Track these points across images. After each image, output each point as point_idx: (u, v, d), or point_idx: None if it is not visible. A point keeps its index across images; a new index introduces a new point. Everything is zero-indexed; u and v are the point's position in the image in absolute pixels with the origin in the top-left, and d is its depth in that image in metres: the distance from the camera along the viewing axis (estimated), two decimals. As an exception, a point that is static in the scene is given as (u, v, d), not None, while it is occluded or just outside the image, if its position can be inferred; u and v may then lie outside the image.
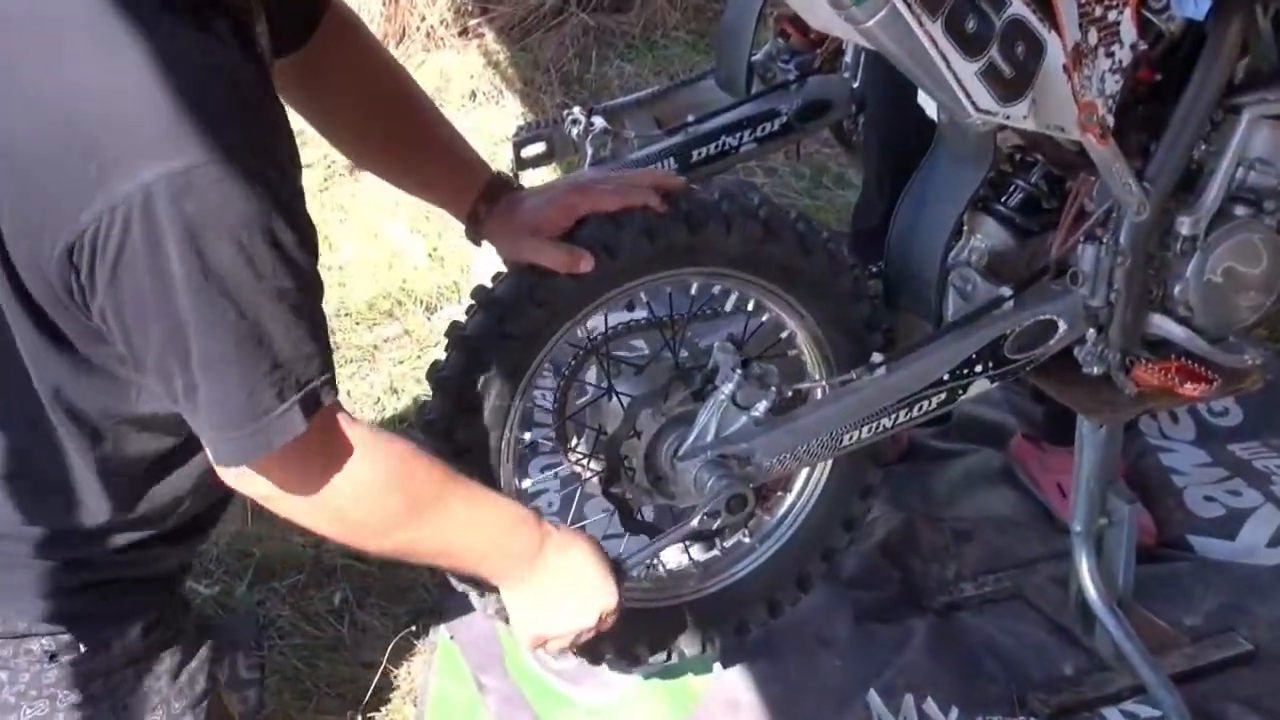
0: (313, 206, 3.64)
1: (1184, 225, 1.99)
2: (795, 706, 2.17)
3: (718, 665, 2.21)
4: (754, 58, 2.83)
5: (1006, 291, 1.98)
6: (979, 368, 1.97)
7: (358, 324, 3.22)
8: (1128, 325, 2.00)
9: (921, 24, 1.65)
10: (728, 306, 2.05)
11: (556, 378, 2.07)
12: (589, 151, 2.75)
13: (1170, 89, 1.96)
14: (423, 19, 4.50)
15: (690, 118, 2.78)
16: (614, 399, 1.94)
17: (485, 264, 3.41)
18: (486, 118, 4.25)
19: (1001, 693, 2.18)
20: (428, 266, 3.48)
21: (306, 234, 1.42)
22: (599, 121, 2.73)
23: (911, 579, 2.42)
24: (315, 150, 3.96)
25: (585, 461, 2.02)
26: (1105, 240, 1.97)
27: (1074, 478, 2.16)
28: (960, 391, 1.97)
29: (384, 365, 3.05)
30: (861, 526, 2.23)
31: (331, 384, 1.44)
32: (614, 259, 1.79)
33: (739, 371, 1.86)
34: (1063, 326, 2.00)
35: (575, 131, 2.74)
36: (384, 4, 4.47)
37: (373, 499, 1.51)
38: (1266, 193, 2.04)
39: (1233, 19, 1.93)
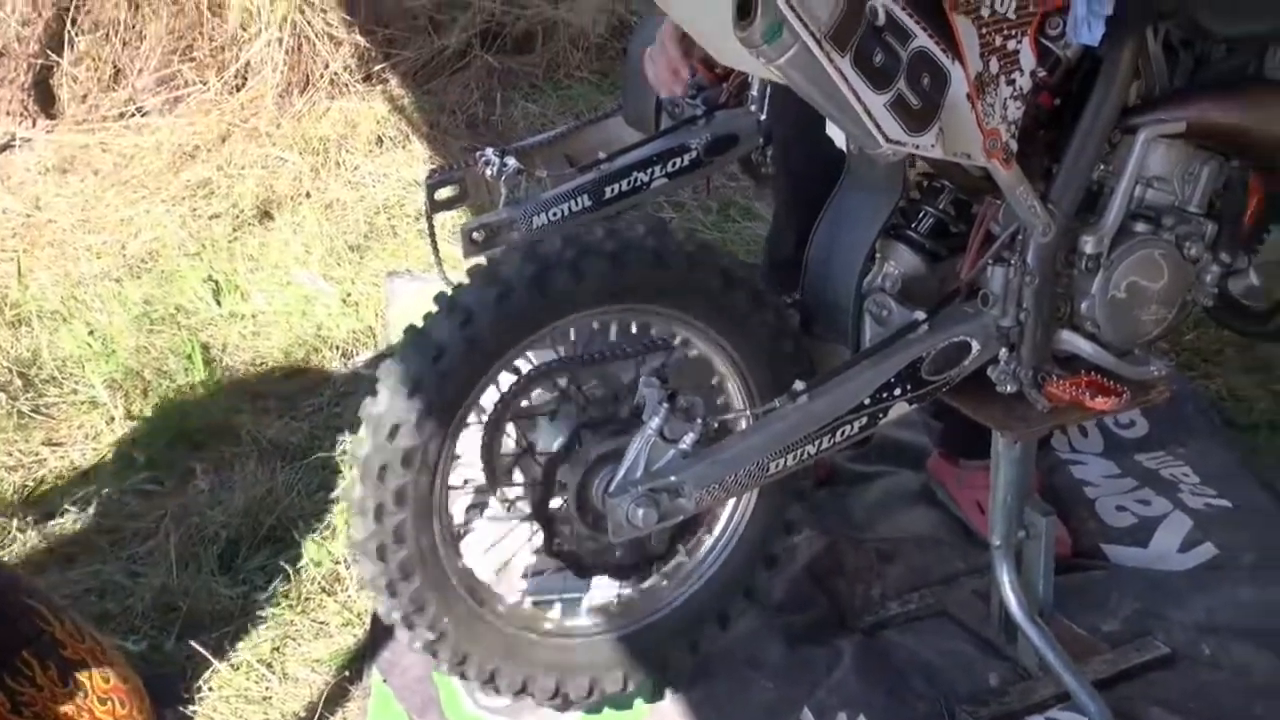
0: (220, 256, 3.68)
1: (1088, 244, 2.03)
2: (727, 729, 2.17)
3: (653, 695, 2.21)
4: (661, 94, 2.86)
5: (921, 315, 2.01)
6: (898, 390, 1.99)
7: (275, 373, 3.19)
8: (1038, 343, 2.04)
9: (831, 59, 1.68)
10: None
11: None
12: (503, 192, 2.75)
13: (1069, 113, 2.00)
14: (326, 66, 4.48)
15: (601, 155, 2.79)
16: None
17: (399, 309, 3.42)
18: (394, 162, 4.24)
19: (930, 707, 2.19)
20: (341, 312, 3.46)
21: None
22: (512, 162, 2.74)
23: (838, 600, 2.44)
24: (223, 201, 3.95)
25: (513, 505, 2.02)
26: (1013, 261, 2.00)
27: (991, 493, 2.19)
28: (881, 415, 1.99)
29: (304, 412, 3.02)
30: (781, 563, 2.25)
31: None
32: (544, 296, 1.79)
33: (665, 405, 1.86)
34: (976, 347, 2.03)
35: (489, 172, 2.74)
36: (287, 53, 4.44)
37: None
38: (1164, 210, 2.10)
39: (1125, 44, 1.98)
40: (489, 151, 2.76)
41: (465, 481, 1.95)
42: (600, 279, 1.84)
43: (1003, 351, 2.05)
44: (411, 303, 3.48)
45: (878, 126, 1.74)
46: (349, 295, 3.52)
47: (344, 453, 2.80)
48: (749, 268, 1.98)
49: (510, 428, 1.98)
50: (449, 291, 1.85)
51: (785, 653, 2.28)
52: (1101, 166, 2.04)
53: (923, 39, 1.75)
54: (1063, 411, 2.11)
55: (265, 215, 3.96)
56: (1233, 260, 2.18)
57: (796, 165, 2.47)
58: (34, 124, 4.38)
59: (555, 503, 1.95)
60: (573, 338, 1.99)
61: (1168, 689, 2.23)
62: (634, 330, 1.98)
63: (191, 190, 4.07)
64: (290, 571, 2.51)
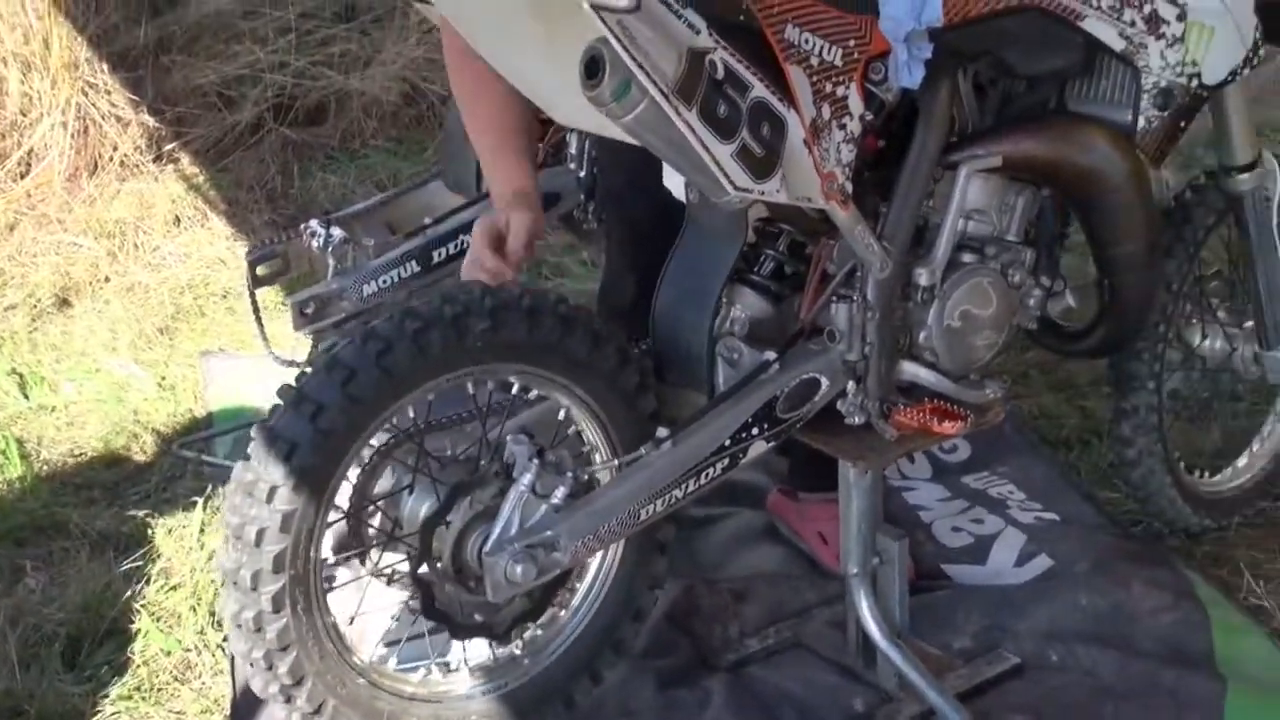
0: (22, 348, 3.56)
1: (921, 277, 2.12)
2: (609, 780, 2.18)
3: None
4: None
5: (771, 356, 2.07)
6: (756, 430, 2.05)
7: (96, 462, 3.09)
8: (882, 374, 2.12)
9: (679, 113, 1.72)
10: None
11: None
12: (330, 262, 2.74)
13: (893, 154, 2.10)
14: (115, 148, 4.39)
15: (427, 220, 2.81)
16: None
17: (218, 388, 3.36)
18: (194, 241, 4.17)
19: (803, 736, 2.25)
20: (158, 396, 3.38)
21: None
22: (337, 232, 2.74)
23: (699, 642, 2.46)
24: (18, 291, 3.83)
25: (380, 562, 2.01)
26: (854, 298, 2.08)
27: (842, 522, 2.25)
28: (741, 455, 2.04)
29: (131, 501, 2.94)
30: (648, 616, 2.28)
31: None
32: (423, 355, 1.80)
33: (536, 461, 1.88)
34: (825, 382, 2.10)
35: (315, 243, 2.73)
36: (72, 136, 4.34)
37: None
38: (987, 240, 2.22)
39: (940, 86, 2.09)
40: (313, 223, 2.76)
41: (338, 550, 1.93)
42: (480, 339, 1.85)
43: (850, 385, 2.12)
44: (230, 381, 3.42)
45: (726, 176, 1.80)
46: (164, 378, 3.44)
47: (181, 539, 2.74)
48: (612, 326, 2.01)
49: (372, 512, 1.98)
50: (333, 352, 1.83)
51: (656, 698, 2.30)
52: (928, 203, 2.15)
53: (760, 89, 1.81)
54: (910, 439, 2.19)
55: (64, 303, 3.85)
56: (1051, 284, 2.31)
57: (631, 216, 2.51)
58: None
59: (427, 569, 1.94)
60: (410, 413, 1.98)
61: (1022, 696, 2.32)
62: (487, 389, 2.00)
63: (-15, 279, 3.94)
64: (140, 663, 2.44)
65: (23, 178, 4.38)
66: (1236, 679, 2.35)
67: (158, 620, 2.54)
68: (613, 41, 1.66)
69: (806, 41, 1.87)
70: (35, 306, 3.80)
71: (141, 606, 2.57)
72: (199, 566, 2.68)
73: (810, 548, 2.70)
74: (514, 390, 1.98)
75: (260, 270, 2.83)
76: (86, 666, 2.45)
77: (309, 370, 1.83)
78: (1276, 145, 3.19)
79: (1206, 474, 2.82)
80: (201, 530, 2.78)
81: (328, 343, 1.87)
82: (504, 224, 2.32)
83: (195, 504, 2.85)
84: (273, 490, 1.77)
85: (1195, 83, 2.25)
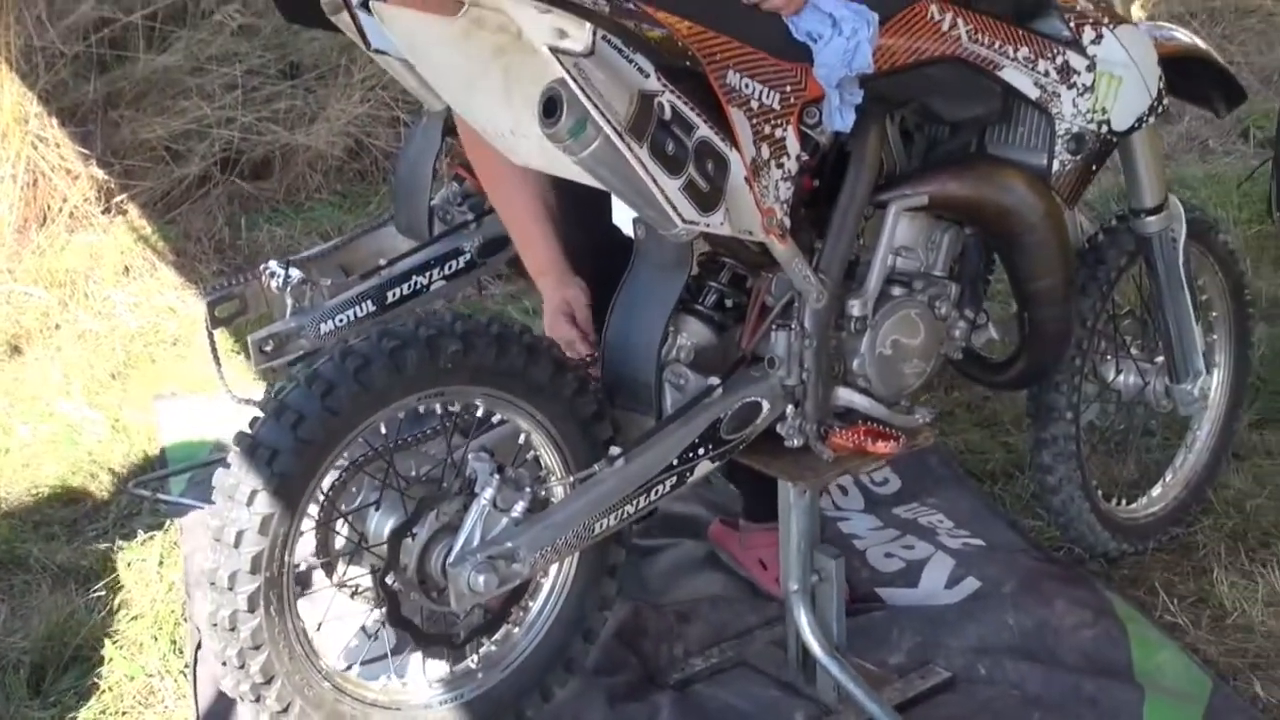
0: (-30, 393, 3.61)
1: (854, 308, 2.26)
2: (561, 791, 2.27)
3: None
4: (432, 202, 3.01)
5: (715, 381, 2.19)
6: (701, 450, 2.17)
7: (54, 500, 3.16)
8: (819, 399, 2.24)
9: (630, 149, 1.85)
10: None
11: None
12: (288, 302, 2.85)
13: (829, 193, 2.23)
14: (64, 200, 4.45)
15: (382, 261, 2.92)
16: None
17: (172, 428, 3.44)
18: (144, 290, 4.25)
19: (749, 749, 2.36)
20: (112, 438, 3.45)
21: None
22: (295, 273, 2.85)
23: (646, 661, 2.57)
24: (-30, 338, 3.88)
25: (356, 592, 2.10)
26: (792, 327, 2.21)
27: (781, 542, 2.37)
28: (689, 474, 2.16)
29: (90, 536, 3.00)
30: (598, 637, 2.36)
31: None
32: (400, 374, 1.90)
33: (496, 477, 1.99)
34: (766, 406, 2.22)
35: (274, 284, 2.83)
36: (22, 188, 4.40)
37: None
38: (914, 275, 2.36)
39: (870, 130, 2.23)
40: (272, 263, 2.87)
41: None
42: (451, 360, 1.96)
43: (789, 409, 2.25)
44: (183, 423, 3.50)
45: (674, 208, 1.92)
46: (117, 420, 3.51)
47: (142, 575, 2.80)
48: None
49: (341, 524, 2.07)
50: (314, 368, 1.93)
51: (607, 713, 2.39)
52: (860, 240, 2.29)
53: (705, 129, 1.94)
54: (846, 460, 2.32)
55: (16, 350, 3.92)
56: (975, 317, 2.45)
57: (571, 251, 2.61)
58: None
59: (394, 578, 2.04)
60: (383, 430, 2.09)
61: (954, 708, 2.44)
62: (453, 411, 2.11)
63: (-67, 331, 3.99)
64: (104, 689, 2.50)
65: (-32, 230, 4.44)
66: (1153, 688, 2.48)
67: (120, 648, 2.61)
68: (570, 82, 1.79)
69: (747, 86, 2.00)
70: (-15, 352, 3.87)
71: (104, 635, 2.63)
72: (159, 597, 2.75)
73: (750, 574, 2.81)
74: (479, 413, 2.09)
75: (218, 311, 2.93)
76: (51, 693, 2.52)
77: (278, 393, 1.93)
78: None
79: (1124, 502, 2.96)
80: (160, 563, 2.86)
81: (279, 384, 1.97)
82: (568, 300, 2.45)
83: (153, 539, 2.94)
84: (253, 494, 1.86)
85: (1105, 129, 2.42)
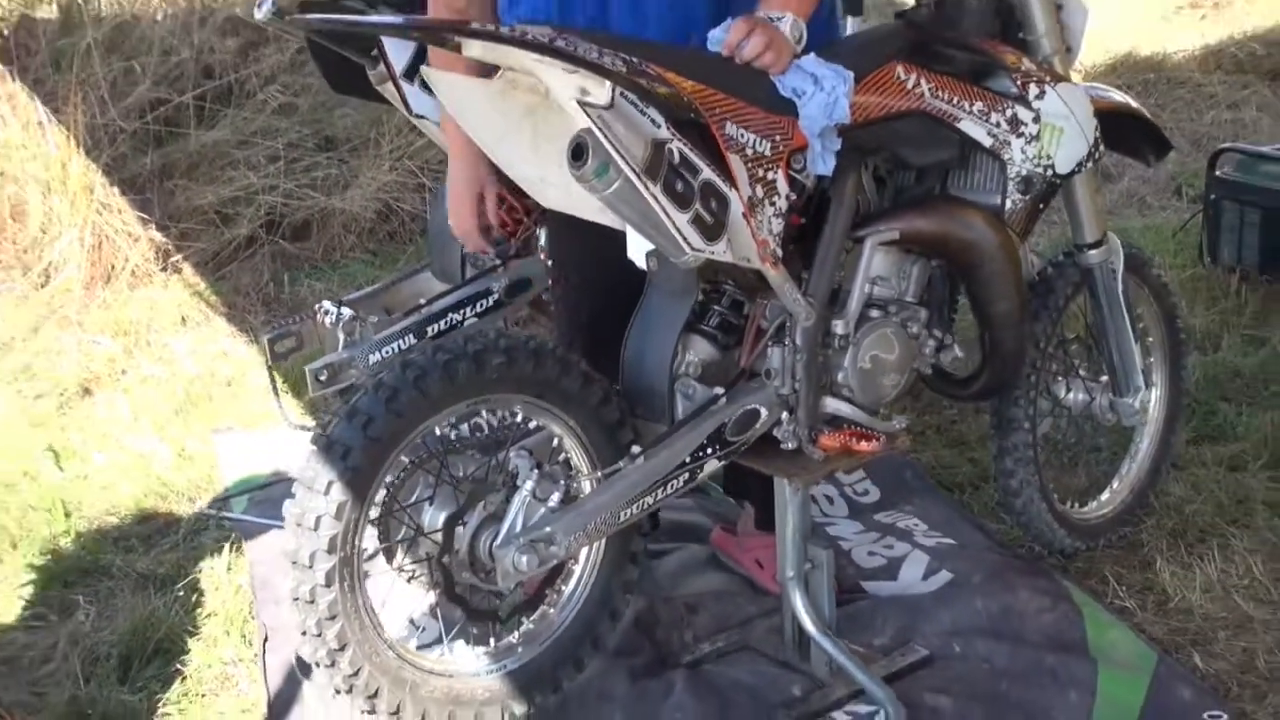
0: (52, 429, 3.75)
1: (838, 328, 2.39)
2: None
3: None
4: (464, 250, 3.15)
5: (719, 392, 2.33)
6: (709, 450, 2.30)
7: (130, 518, 3.28)
8: (810, 407, 2.38)
9: (647, 188, 1.99)
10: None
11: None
12: (340, 337, 2.99)
13: (814, 229, 2.37)
14: (126, 260, 4.59)
15: (421, 301, 3.07)
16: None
17: (231, 458, 3.56)
18: (200, 339, 4.37)
19: (755, 714, 2.45)
20: (178, 465, 3.57)
21: None
22: (347, 311, 2.99)
23: (660, 646, 2.69)
24: (45, 383, 4.02)
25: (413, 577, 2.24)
26: (786, 344, 2.35)
27: (778, 533, 2.48)
28: (699, 470, 2.29)
29: (165, 548, 3.12)
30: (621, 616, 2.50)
31: None
32: (452, 382, 2.05)
33: (536, 471, 2.13)
34: (764, 413, 2.36)
35: (328, 320, 2.98)
36: (89, 249, 4.55)
37: None
38: (889, 300, 2.49)
39: (847, 175, 2.37)
40: (326, 303, 3.01)
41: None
42: (496, 371, 2.11)
43: (784, 415, 2.38)
44: (240, 452, 3.63)
45: (684, 238, 2.07)
46: (182, 450, 3.64)
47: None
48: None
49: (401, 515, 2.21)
50: (379, 376, 2.08)
51: (629, 687, 2.51)
52: (841, 270, 2.43)
53: (708, 172, 2.08)
54: (834, 459, 2.45)
55: (87, 391, 4.03)
56: (943, 337, 2.58)
57: (582, 282, 2.69)
58: None
59: (448, 560, 2.17)
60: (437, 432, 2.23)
61: (932, 680, 2.55)
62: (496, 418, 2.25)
63: (13, 376, 4.11)
64: (184, 676, 2.62)
65: (44, 286, 4.58)
66: (1105, 661, 2.59)
67: (198, 642, 2.73)
68: (595, 131, 1.95)
69: (742, 136, 2.14)
70: (62, 395, 3.98)
71: (182, 631, 2.75)
72: (228, 598, 2.87)
73: (748, 572, 2.92)
74: (518, 418, 2.23)
75: (278, 347, 3.08)
76: (138, 680, 2.63)
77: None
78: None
79: (1077, 505, 3.06)
80: (228, 569, 2.98)
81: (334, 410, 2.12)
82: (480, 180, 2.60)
83: (221, 549, 3.05)
84: (329, 484, 2.00)
85: (1050, 172, 2.55)
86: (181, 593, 2.87)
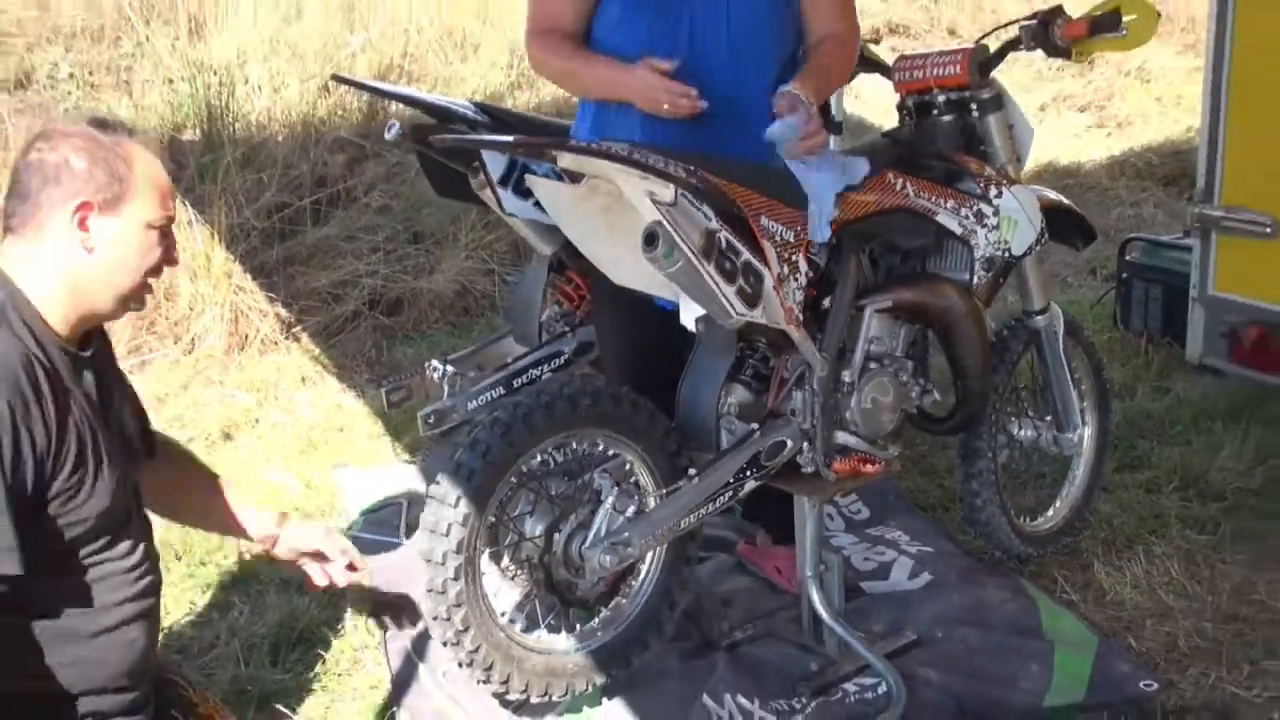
0: (201, 464, 3.79)
1: (846, 376, 2.48)
2: (656, 714, 2.44)
3: (598, 698, 2.46)
4: (541, 319, 3.24)
5: (754, 427, 2.41)
6: (748, 473, 2.38)
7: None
8: (825, 439, 2.45)
9: (702, 266, 2.09)
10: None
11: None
12: (445, 389, 3.07)
13: (825, 300, 2.47)
14: (257, 330, 4.67)
15: (508, 360, 3.16)
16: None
17: (349, 490, 3.63)
18: (318, 394, 4.42)
19: (782, 684, 2.52)
20: (305, 494, 3.63)
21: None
22: (450, 368, 3.08)
23: (704, 632, 2.73)
24: (193, 429, 4.07)
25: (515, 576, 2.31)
26: (805, 390, 2.44)
27: (798, 540, 2.56)
28: (740, 489, 2.36)
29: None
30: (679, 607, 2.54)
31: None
32: (552, 418, 2.13)
33: (616, 488, 2.21)
34: (789, 444, 2.43)
35: (435, 375, 3.06)
36: (227, 322, 4.64)
37: None
38: (884, 355, 2.57)
39: (849, 258, 2.47)
40: (434, 362, 3.10)
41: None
42: (584, 410, 2.20)
43: (804, 445, 2.45)
44: (356, 485, 3.69)
45: (731, 306, 2.15)
46: (309, 482, 3.70)
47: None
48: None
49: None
50: (495, 414, 2.16)
51: (680, 665, 2.57)
52: (846, 331, 2.51)
53: (747, 254, 2.18)
54: (845, 480, 2.52)
55: (228, 436, 4.08)
56: (925, 383, 2.66)
57: (630, 340, 2.72)
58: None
59: (548, 559, 2.24)
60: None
61: (922, 658, 2.61)
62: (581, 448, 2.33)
63: (167, 424, 4.16)
64: (323, 658, 2.68)
65: (190, 353, 4.65)
66: (1059, 642, 2.66)
67: (335, 633, 2.78)
68: (664, 222, 2.05)
69: (772, 227, 2.24)
70: (207, 439, 4.04)
71: (320, 624, 2.80)
72: (355, 599, 2.93)
73: (769, 576, 2.96)
74: (600, 448, 2.31)
75: (392, 397, 3.16)
76: (286, 662, 2.68)
77: (469, 433, 2.16)
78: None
79: (1029, 520, 3.11)
80: (354, 575, 3.03)
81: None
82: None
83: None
84: (458, 499, 2.08)
85: (1007, 254, 2.66)
86: (325, 595, 2.91)
